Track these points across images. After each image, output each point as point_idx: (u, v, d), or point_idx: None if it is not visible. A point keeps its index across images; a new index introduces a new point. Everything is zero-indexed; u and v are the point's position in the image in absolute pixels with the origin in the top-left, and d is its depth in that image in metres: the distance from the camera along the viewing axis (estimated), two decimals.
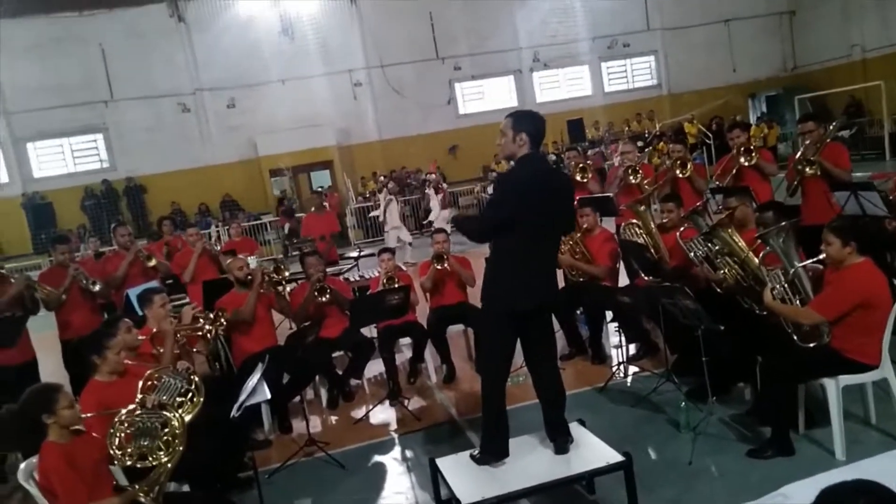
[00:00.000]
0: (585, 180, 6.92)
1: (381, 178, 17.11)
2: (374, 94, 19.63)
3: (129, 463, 3.22)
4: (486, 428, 3.66)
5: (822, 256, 3.79)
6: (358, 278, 7.40)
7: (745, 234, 4.54)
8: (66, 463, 2.98)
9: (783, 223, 4.06)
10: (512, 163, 3.63)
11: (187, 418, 3.50)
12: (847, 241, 3.67)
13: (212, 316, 4.97)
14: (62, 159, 18.55)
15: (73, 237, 14.47)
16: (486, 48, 20.15)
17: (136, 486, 3.09)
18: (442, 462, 3.66)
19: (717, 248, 4.59)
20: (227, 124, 18.89)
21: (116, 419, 3.28)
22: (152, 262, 6.54)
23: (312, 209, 9.45)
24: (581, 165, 7.02)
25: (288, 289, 5.74)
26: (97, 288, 5.93)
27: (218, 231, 16.65)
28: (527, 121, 3.57)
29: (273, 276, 5.67)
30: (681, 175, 6.32)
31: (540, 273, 3.58)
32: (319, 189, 15.55)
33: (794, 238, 4.01)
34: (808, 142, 5.68)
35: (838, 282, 3.71)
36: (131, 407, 3.35)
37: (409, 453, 4.72)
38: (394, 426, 5.20)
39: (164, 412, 3.37)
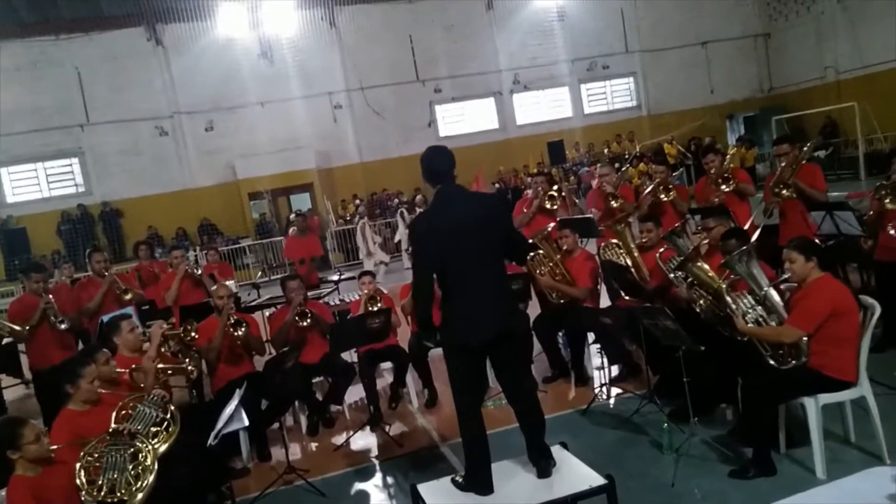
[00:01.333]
0: (555, 207, 6.84)
1: (357, 202, 17.05)
2: (354, 117, 19.66)
3: (98, 497, 3.13)
4: (468, 458, 3.62)
5: (788, 275, 3.88)
6: (338, 302, 7.34)
7: (718, 259, 4.56)
8: (32, 497, 2.90)
9: (744, 247, 4.10)
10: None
11: (162, 448, 3.43)
12: (809, 257, 3.79)
13: (181, 333, 4.88)
14: (36, 184, 18.29)
15: (48, 263, 14.24)
16: (467, 70, 20.30)
17: None
18: (423, 488, 3.61)
19: (689, 279, 4.62)
20: (206, 148, 18.78)
21: (84, 451, 3.19)
22: (129, 296, 6.42)
23: (293, 231, 9.39)
24: (550, 193, 6.87)
25: (267, 313, 5.64)
26: (63, 327, 5.81)
27: (196, 255, 16.48)
28: (421, 161, 3.63)
29: (235, 322, 5.29)
30: (665, 199, 6.32)
31: (486, 304, 3.52)
32: (298, 211, 15.50)
33: (756, 259, 4.05)
34: (783, 164, 5.76)
35: (808, 296, 3.79)
36: (101, 437, 3.27)
37: (390, 480, 4.65)
38: (375, 452, 5.13)
39: (136, 442, 3.29)
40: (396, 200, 17.29)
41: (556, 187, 7.19)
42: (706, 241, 4.90)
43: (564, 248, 5.88)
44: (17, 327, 5.62)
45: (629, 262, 5.48)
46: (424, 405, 5.87)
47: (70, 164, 18.38)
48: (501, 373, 3.74)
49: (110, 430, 3.38)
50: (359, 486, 4.62)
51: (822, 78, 20.24)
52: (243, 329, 5.25)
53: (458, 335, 3.52)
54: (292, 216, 15.25)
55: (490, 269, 3.59)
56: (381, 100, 19.70)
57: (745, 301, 3.99)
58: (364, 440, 5.35)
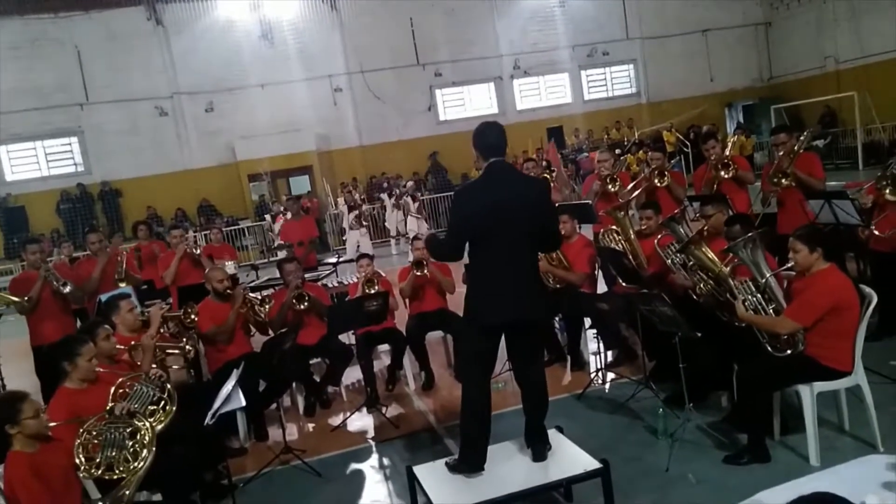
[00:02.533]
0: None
1: (347, 187, 16.91)
2: (354, 100, 19.59)
3: (96, 474, 3.15)
4: (465, 438, 3.63)
5: (791, 264, 3.86)
6: (336, 284, 7.35)
7: (718, 245, 4.58)
8: (31, 473, 2.91)
9: (750, 234, 4.10)
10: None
11: (159, 427, 3.45)
12: (813, 247, 3.77)
13: (181, 315, 4.90)
14: (36, 163, 18.25)
15: (46, 241, 14.23)
16: (467, 55, 20.21)
17: (102, 502, 3.02)
18: (419, 470, 3.63)
19: (690, 263, 4.63)
20: (206, 129, 18.72)
21: (83, 429, 3.21)
22: (123, 284, 6.41)
23: (290, 215, 9.38)
24: (544, 175, 6.96)
25: (266, 308, 5.66)
26: (67, 289, 5.81)
27: (195, 236, 16.46)
28: (476, 135, 3.60)
29: (255, 303, 5.55)
30: (659, 185, 6.37)
31: (512, 289, 3.50)
32: (286, 196, 15.54)
33: (762, 247, 4.05)
34: (781, 153, 5.76)
35: (809, 288, 3.78)
36: (100, 415, 3.28)
37: (386, 461, 4.68)
38: (371, 434, 5.16)
39: (134, 421, 3.31)
40: (410, 183, 17.17)
41: (547, 171, 7.24)
42: (706, 229, 4.91)
43: (563, 233, 5.88)
44: (16, 298, 5.62)
45: (627, 249, 5.49)
46: (421, 388, 5.90)
47: (69, 143, 18.33)
48: (517, 356, 3.75)
49: (108, 408, 3.39)
50: (355, 466, 4.65)
51: (821, 67, 20.19)
52: (307, 302, 5.58)
53: (477, 315, 3.52)
54: (284, 200, 15.30)
55: (524, 252, 3.56)
56: (382, 83, 19.61)
57: (746, 287, 4.00)
58: (361, 422, 5.38)
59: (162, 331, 4.76)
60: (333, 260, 8.85)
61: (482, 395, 3.59)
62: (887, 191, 5.09)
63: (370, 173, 19.43)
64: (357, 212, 13.75)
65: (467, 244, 3.53)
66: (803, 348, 3.76)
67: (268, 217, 16.01)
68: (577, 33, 20.91)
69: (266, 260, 14.95)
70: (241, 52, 18.47)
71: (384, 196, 15.93)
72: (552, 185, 6.89)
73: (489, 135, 3.59)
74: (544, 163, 7.02)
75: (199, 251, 7.18)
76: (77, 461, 3.18)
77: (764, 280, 3.96)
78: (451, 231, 3.65)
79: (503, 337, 3.67)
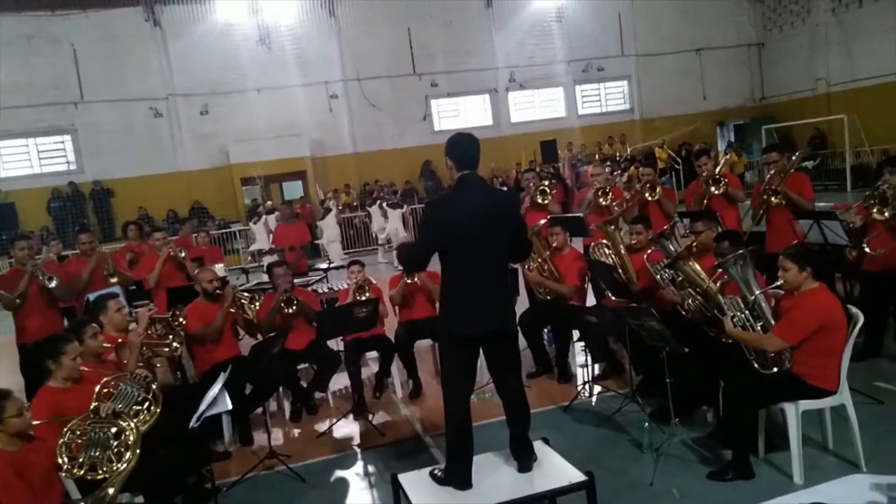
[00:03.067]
0: (546, 202, 6.90)
1: (327, 194, 16.88)
2: (350, 107, 19.61)
3: (79, 474, 3.13)
4: (451, 452, 3.61)
5: (780, 283, 3.89)
6: (326, 290, 7.34)
7: (707, 261, 4.61)
8: (11, 471, 2.89)
9: (741, 251, 4.13)
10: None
11: (143, 428, 3.42)
12: (803, 266, 3.79)
13: (169, 317, 4.88)
14: (28, 160, 18.14)
15: (35, 239, 14.13)
16: (464, 66, 20.29)
17: (84, 502, 2.99)
18: (404, 478, 3.61)
19: (679, 278, 4.66)
20: (200, 131, 18.68)
21: (67, 428, 3.18)
22: (114, 280, 6.38)
23: (269, 219, 9.40)
24: (541, 188, 6.95)
25: (255, 305, 5.65)
26: (53, 284, 5.77)
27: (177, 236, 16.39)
28: (451, 145, 3.60)
29: (244, 301, 5.57)
30: (650, 198, 6.43)
31: (486, 300, 3.50)
32: (269, 202, 15.59)
33: (753, 265, 4.08)
34: (772, 171, 5.83)
35: (798, 307, 3.80)
36: (84, 415, 3.26)
37: (371, 468, 4.66)
38: (357, 441, 5.14)
39: (119, 421, 3.28)
40: (415, 192, 17.18)
41: (546, 182, 7.26)
42: (694, 245, 4.94)
43: (554, 245, 5.92)
44: (5, 293, 5.58)
45: (617, 263, 5.52)
46: (409, 396, 5.89)
47: (62, 142, 18.23)
48: (494, 368, 3.74)
49: (93, 407, 3.37)
50: (340, 473, 4.63)
51: (813, 90, 20.42)
52: (295, 306, 5.61)
53: (456, 326, 3.52)
54: (268, 204, 15.34)
55: (497, 265, 3.57)
56: (378, 91, 19.66)
57: (735, 304, 4.02)
58: (347, 428, 5.37)
59: (150, 332, 4.74)
60: (324, 266, 8.83)
61: (463, 408, 3.58)
62: (874, 210, 5.15)
63: (363, 180, 19.43)
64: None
65: (440, 256, 3.53)
66: (790, 366, 3.79)
67: (254, 220, 15.91)
68: (573, 48, 21.05)
69: (256, 264, 14.90)
70: (239, 56, 18.47)
71: (372, 207, 15.92)
72: (550, 199, 6.91)
73: (466, 147, 3.60)
74: (549, 171, 7.04)
75: (183, 254, 7.16)
76: (60, 461, 3.15)
77: (753, 297, 3.98)
78: (422, 241, 3.68)
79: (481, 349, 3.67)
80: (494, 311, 3.53)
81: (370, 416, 5.38)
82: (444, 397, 3.64)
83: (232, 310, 5.41)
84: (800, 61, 20.79)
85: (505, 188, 17.39)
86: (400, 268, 5.71)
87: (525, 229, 3.98)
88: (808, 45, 20.42)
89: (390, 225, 14.69)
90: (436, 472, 3.60)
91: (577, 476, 3.43)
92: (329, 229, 13.86)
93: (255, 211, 16.57)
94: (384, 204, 15.37)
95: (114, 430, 3.24)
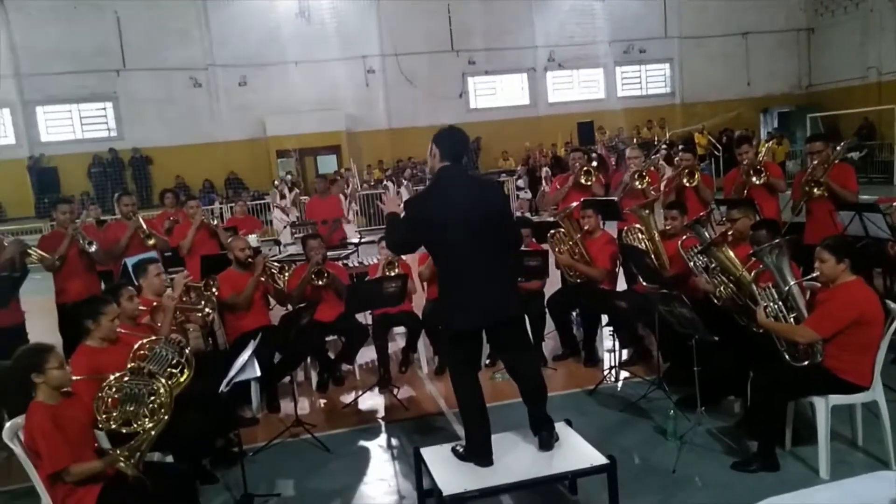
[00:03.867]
0: (589, 184, 6.86)
1: (345, 170, 16.92)
2: (386, 83, 19.59)
3: (113, 427, 3.24)
4: (468, 430, 3.63)
5: (816, 274, 3.80)
6: (357, 264, 7.40)
7: (742, 249, 4.53)
8: (52, 423, 2.99)
9: (777, 240, 4.05)
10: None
11: (176, 391, 3.51)
12: (841, 258, 3.69)
13: (202, 286, 4.97)
14: (70, 125, 18.54)
15: (76, 203, 14.46)
16: (502, 44, 20.09)
17: (118, 451, 3.10)
18: (426, 452, 3.65)
19: (713, 265, 4.59)
20: (238, 102, 18.85)
21: (105, 383, 3.29)
22: (151, 241, 6.51)
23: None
24: (585, 168, 6.93)
25: (285, 276, 5.73)
26: (93, 248, 5.90)
27: (221, 208, 16.65)
28: (441, 135, 3.58)
29: (274, 271, 5.65)
30: (688, 184, 6.33)
31: (481, 293, 3.46)
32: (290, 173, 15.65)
33: (788, 255, 3.99)
34: (815, 162, 5.67)
35: (833, 299, 3.71)
36: (122, 373, 3.36)
37: (394, 441, 4.72)
38: (381, 413, 5.21)
39: (153, 380, 3.37)
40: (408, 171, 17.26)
41: (593, 164, 7.22)
42: (730, 233, 4.86)
43: (586, 227, 5.87)
44: (46, 255, 5.73)
45: (650, 248, 5.45)
46: (434, 372, 5.93)
47: (104, 108, 18.59)
48: (501, 353, 3.76)
49: (130, 366, 3.46)
50: (363, 444, 4.70)
51: (863, 78, 19.78)
52: (325, 279, 5.67)
53: (452, 322, 3.53)
54: (287, 177, 15.39)
55: (487, 256, 3.50)
56: (414, 68, 19.59)
57: (769, 293, 3.95)
58: (372, 401, 5.44)
59: (183, 299, 4.83)
60: (356, 240, 8.89)
61: (474, 394, 3.58)
62: None
63: (397, 157, 19.45)
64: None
65: (428, 251, 3.55)
66: (821, 359, 3.72)
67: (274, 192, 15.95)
68: (615, 29, 20.68)
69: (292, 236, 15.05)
70: (278, 28, 18.55)
71: (388, 184, 15.92)
72: (593, 180, 6.87)
73: (458, 140, 3.58)
74: (581, 160, 6.96)
75: (216, 223, 7.26)
76: (96, 415, 3.26)
77: (787, 288, 3.91)
78: (403, 234, 3.65)
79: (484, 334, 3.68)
80: (488, 303, 3.48)
81: (395, 390, 5.43)
82: (452, 383, 3.65)
83: (262, 279, 5.48)
84: (851, 48, 20.13)
85: (519, 171, 17.29)
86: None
87: (511, 218, 3.94)
88: (861, 31, 19.75)
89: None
90: (458, 448, 3.63)
91: (598, 459, 3.43)
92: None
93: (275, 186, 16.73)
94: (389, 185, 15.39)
95: (149, 387, 3.33)
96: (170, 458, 3.80)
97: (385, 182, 15.75)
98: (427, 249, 3.64)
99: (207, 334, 5.95)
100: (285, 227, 12.53)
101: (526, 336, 3.79)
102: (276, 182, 16.49)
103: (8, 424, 3.18)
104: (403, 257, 6.25)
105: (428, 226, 3.47)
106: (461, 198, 3.46)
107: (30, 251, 5.68)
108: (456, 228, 3.41)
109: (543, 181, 15.28)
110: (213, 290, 5.06)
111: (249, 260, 5.50)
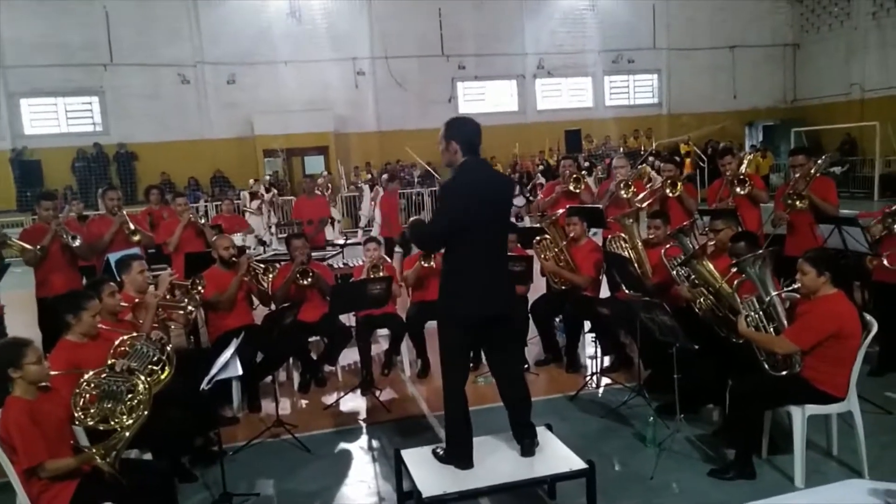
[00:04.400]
0: (578, 191, 6.92)
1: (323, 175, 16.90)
2: (376, 85, 19.59)
3: (90, 423, 3.22)
4: (449, 431, 3.65)
5: (797, 286, 3.85)
6: (342, 265, 7.39)
7: (724, 260, 4.58)
8: (28, 418, 2.97)
9: (759, 251, 4.10)
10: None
11: (156, 388, 3.49)
12: (822, 271, 3.74)
13: (188, 285, 4.95)
14: (55, 118, 18.35)
15: (59, 198, 14.32)
16: (492, 50, 20.15)
17: (94, 449, 3.08)
18: (407, 454, 3.67)
19: (692, 277, 4.64)
20: (226, 100, 18.76)
21: (83, 379, 3.26)
22: (137, 238, 6.47)
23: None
24: (575, 176, 7.00)
25: (269, 276, 5.72)
26: (76, 243, 5.85)
27: (206, 206, 16.56)
28: (456, 128, 3.57)
29: (259, 271, 5.63)
30: (670, 194, 6.39)
31: (489, 283, 3.52)
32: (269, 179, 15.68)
33: (771, 266, 4.05)
34: (798, 175, 5.76)
35: (812, 312, 3.77)
36: (100, 369, 3.34)
37: (375, 443, 4.72)
38: (363, 415, 5.20)
39: (132, 377, 3.36)
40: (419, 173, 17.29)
41: (583, 171, 7.31)
42: (712, 243, 4.92)
43: (571, 235, 5.91)
44: (28, 246, 5.67)
45: (633, 256, 5.50)
46: (416, 375, 5.94)
47: (90, 103, 18.42)
48: (492, 352, 3.77)
49: (109, 363, 3.44)
50: (344, 445, 4.70)
51: (846, 94, 20.09)
52: (310, 278, 5.63)
53: (457, 309, 3.53)
54: (263, 178, 15.28)
55: (500, 248, 3.63)
56: (404, 71, 19.61)
57: (750, 304, 4.00)
58: (353, 402, 5.43)
59: (168, 297, 4.81)
60: (341, 242, 8.89)
61: (462, 389, 3.61)
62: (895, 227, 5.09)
63: (385, 159, 19.44)
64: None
65: (451, 240, 3.54)
66: (799, 369, 3.77)
67: (244, 195, 15.84)
68: (605, 38, 20.85)
69: (274, 235, 15.02)
70: (269, 28, 18.49)
71: (365, 187, 15.90)
72: (582, 188, 6.96)
73: (474, 131, 3.58)
74: (571, 167, 7.07)
75: (203, 221, 7.24)
76: (74, 411, 3.23)
77: (769, 298, 3.96)
78: (440, 222, 3.61)
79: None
80: (497, 294, 3.55)
81: (377, 392, 5.43)
82: (443, 378, 3.67)
83: (246, 279, 5.47)
84: (835, 64, 20.44)
85: (515, 175, 17.33)
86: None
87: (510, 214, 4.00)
88: (846, 47, 20.06)
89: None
90: (438, 450, 3.64)
91: (577, 464, 3.46)
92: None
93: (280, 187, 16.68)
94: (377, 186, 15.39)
95: (127, 384, 3.31)
96: (149, 456, 3.78)
97: (360, 184, 15.72)
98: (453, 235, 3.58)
99: (190, 332, 5.93)
100: (268, 228, 12.52)
101: (517, 339, 3.82)
102: (251, 183, 16.45)
103: None
104: (388, 260, 6.27)
105: (461, 210, 3.45)
106: (485, 187, 3.51)
107: (10, 242, 5.62)
108: (479, 217, 3.45)
109: (536, 188, 15.30)
110: (199, 288, 5.03)
111: (234, 259, 5.49)
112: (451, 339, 3.61)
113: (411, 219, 3.73)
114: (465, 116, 3.71)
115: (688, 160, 17.51)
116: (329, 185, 15.00)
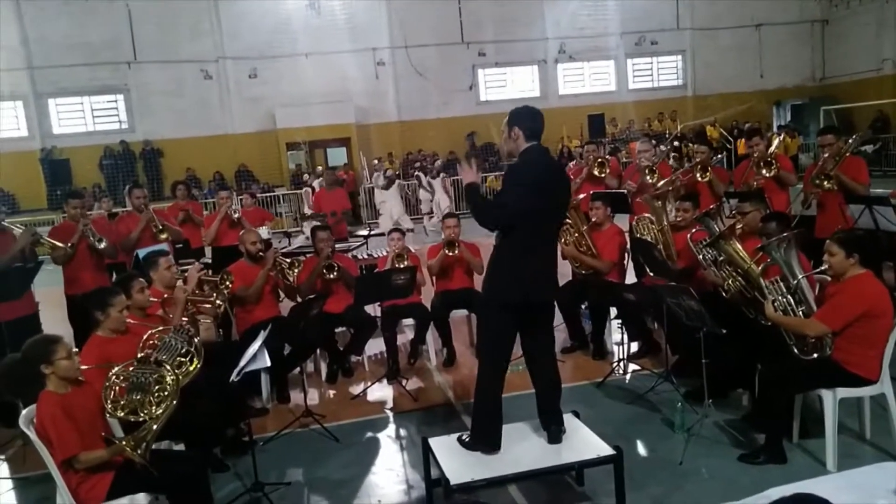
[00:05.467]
0: (603, 175, 6.88)
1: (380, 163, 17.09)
2: (396, 75, 19.58)
3: (121, 415, 3.28)
4: (478, 416, 3.65)
5: (825, 268, 3.79)
6: (366, 256, 7.43)
7: (752, 243, 4.52)
8: (61, 412, 3.04)
9: (785, 234, 4.04)
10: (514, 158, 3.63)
11: (184, 379, 3.54)
12: (850, 252, 3.68)
13: (217, 280, 5.00)
14: (82, 117, 18.66)
15: (87, 195, 14.57)
16: (513, 36, 20.01)
17: (124, 441, 3.14)
18: (434, 442, 3.68)
19: (721, 258, 4.58)
20: (248, 94, 18.91)
21: (112, 372, 3.33)
22: (164, 236, 6.56)
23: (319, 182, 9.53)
24: (599, 160, 6.96)
25: (295, 271, 5.76)
26: (102, 245, 5.94)
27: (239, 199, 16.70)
28: (520, 117, 3.59)
29: (285, 266, 5.68)
30: (701, 179, 6.29)
31: (542, 269, 3.57)
32: (321, 167, 15.79)
33: (796, 248, 3.98)
34: (826, 154, 5.64)
35: (842, 292, 3.70)
36: (129, 362, 3.40)
37: (402, 432, 4.75)
38: (390, 404, 5.24)
39: (161, 369, 3.41)
40: (439, 162, 17.33)
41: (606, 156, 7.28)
42: (740, 225, 4.84)
43: (594, 220, 5.86)
44: (58, 243, 5.78)
45: (659, 239, 5.45)
46: (442, 364, 5.96)
47: (115, 101, 18.70)
48: (532, 336, 3.74)
49: (138, 356, 3.50)
50: (371, 434, 4.73)
51: (878, 70, 19.59)
52: (336, 272, 5.69)
53: (507, 294, 3.52)
54: (318, 170, 15.45)
55: (552, 235, 3.73)
56: (425, 60, 19.56)
57: (777, 287, 3.95)
58: (380, 392, 5.47)
59: (196, 292, 4.87)
60: (364, 233, 8.92)
61: (498, 376, 3.62)
62: None
63: (407, 149, 19.45)
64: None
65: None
66: (830, 353, 3.72)
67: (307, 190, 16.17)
68: (627, 20, 20.56)
69: (299, 228, 15.14)
70: (288, 21, 18.57)
71: (420, 175, 15.98)
72: (607, 171, 6.95)
73: (538, 120, 3.60)
74: (594, 153, 7.06)
75: (237, 214, 7.39)
76: (104, 403, 3.30)
77: (796, 281, 3.90)
78: (504, 204, 3.54)
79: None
80: (545, 281, 3.61)
81: (404, 382, 5.46)
82: (479, 363, 3.69)
83: (272, 273, 5.52)
84: (865, 40, 19.93)
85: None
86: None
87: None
88: (876, 22, 19.54)
89: (443, 197, 14.73)
90: (463, 437, 3.66)
91: (605, 450, 3.45)
92: (392, 200, 13.77)
93: (302, 180, 16.80)
94: (421, 176, 15.45)
95: (155, 376, 3.37)
96: (181, 447, 3.85)
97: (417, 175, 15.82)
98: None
99: (219, 325, 6.00)
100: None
101: (552, 326, 3.83)
102: (306, 178, 16.67)
103: (24, 412, 3.23)
104: (412, 250, 6.28)
105: (525, 192, 3.44)
106: (547, 175, 3.56)
107: (41, 240, 5.74)
108: (539, 203, 3.46)
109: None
110: (228, 283, 5.09)
111: (261, 253, 5.53)
112: (496, 324, 3.62)
113: (466, 182, 3.71)
114: (528, 106, 3.68)
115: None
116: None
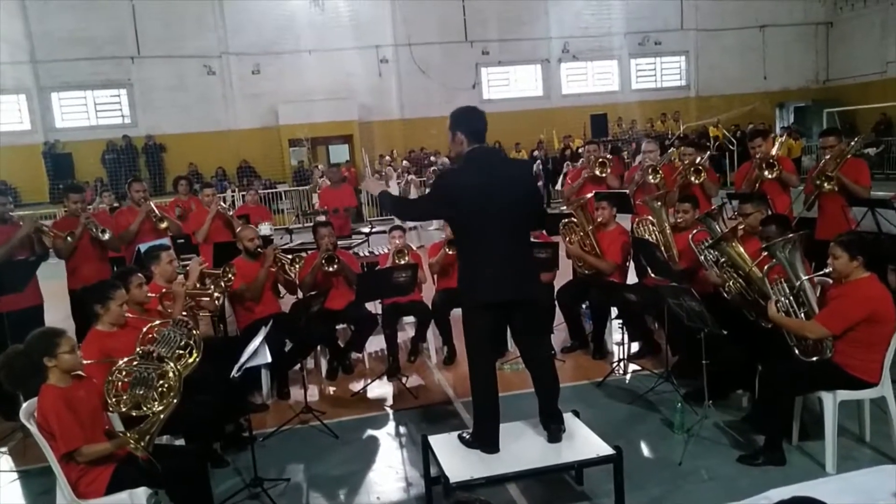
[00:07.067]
0: (604, 175, 6.87)
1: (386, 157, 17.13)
2: (399, 72, 19.57)
3: (123, 410, 3.29)
4: (478, 417, 3.66)
5: (828, 270, 3.78)
6: (367, 254, 7.43)
7: (754, 244, 4.52)
8: (64, 405, 3.04)
9: (790, 235, 4.03)
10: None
11: (185, 372, 3.55)
12: (854, 255, 3.67)
13: (219, 273, 5.00)
14: (85, 112, 18.67)
15: (89, 189, 14.58)
16: (516, 35, 20.00)
17: (128, 434, 3.15)
18: (434, 440, 3.68)
19: (722, 259, 4.58)
20: (251, 90, 18.91)
21: (116, 367, 3.33)
22: (164, 225, 6.57)
23: (328, 182, 9.49)
24: (601, 160, 6.95)
25: (296, 268, 5.76)
26: (106, 236, 5.95)
27: (233, 196, 16.74)
28: (459, 120, 3.59)
29: (285, 262, 5.68)
30: (694, 180, 6.28)
31: (506, 268, 3.50)
32: (319, 165, 15.80)
33: (801, 250, 3.97)
34: (828, 156, 5.64)
35: (845, 296, 3.70)
36: (131, 357, 3.40)
37: (402, 429, 4.76)
38: (390, 402, 5.24)
39: (162, 364, 3.42)
40: (443, 160, 17.35)
41: (607, 156, 7.25)
42: (742, 227, 4.84)
43: (599, 220, 5.86)
44: (61, 234, 5.78)
45: (660, 241, 5.45)
46: (443, 362, 5.96)
47: (118, 95, 18.71)
48: (518, 338, 3.79)
49: (139, 350, 3.51)
50: (371, 431, 4.74)
51: (882, 73, 19.55)
52: (336, 265, 5.67)
53: (474, 293, 3.55)
54: (320, 168, 15.46)
55: (513, 234, 3.57)
56: (428, 57, 19.56)
57: (780, 289, 3.94)
58: (380, 389, 5.47)
59: (197, 286, 4.87)
60: (366, 230, 8.92)
61: (488, 374, 3.62)
62: None
63: (409, 147, 19.45)
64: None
65: (451, 227, 3.58)
66: (831, 355, 3.71)
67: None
68: (631, 20, 20.54)
69: (301, 225, 15.15)
70: (292, 17, 18.57)
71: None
72: (609, 172, 6.93)
73: (478, 120, 3.59)
74: (595, 152, 7.04)
75: (231, 212, 7.32)
76: (107, 398, 3.31)
77: (799, 283, 3.90)
78: (423, 204, 3.74)
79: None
80: (510, 280, 3.53)
81: (404, 379, 5.47)
82: (469, 364, 3.69)
83: (272, 269, 5.51)
84: (869, 42, 19.90)
85: (535, 160, 17.24)
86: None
87: (540, 197, 3.98)
88: (881, 25, 19.51)
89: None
90: (464, 435, 3.66)
91: (605, 449, 3.45)
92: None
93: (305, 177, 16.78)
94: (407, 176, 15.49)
95: (158, 371, 3.38)
96: (181, 442, 3.86)
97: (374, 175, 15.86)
98: (452, 225, 3.69)
99: (217, 322, 6.01)
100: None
101: (544, 324, 3.82)
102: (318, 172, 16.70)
103: (24, 405, 3.24)
104: (414, 248, 6.28)
105: (452, 200, 3.49)
106: (492, 176, 3.50)
107: (44, 229, 5.74)
108: (484, 206, 3.44)
109: (562, 177, 15.25)
110: (230, 276, 5.09)
111: (259, 250, 5.54)
112: (470, 324, 3.65)
113: (380, 191, 3.76)
114: (468, 106, 3.71)
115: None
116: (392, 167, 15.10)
